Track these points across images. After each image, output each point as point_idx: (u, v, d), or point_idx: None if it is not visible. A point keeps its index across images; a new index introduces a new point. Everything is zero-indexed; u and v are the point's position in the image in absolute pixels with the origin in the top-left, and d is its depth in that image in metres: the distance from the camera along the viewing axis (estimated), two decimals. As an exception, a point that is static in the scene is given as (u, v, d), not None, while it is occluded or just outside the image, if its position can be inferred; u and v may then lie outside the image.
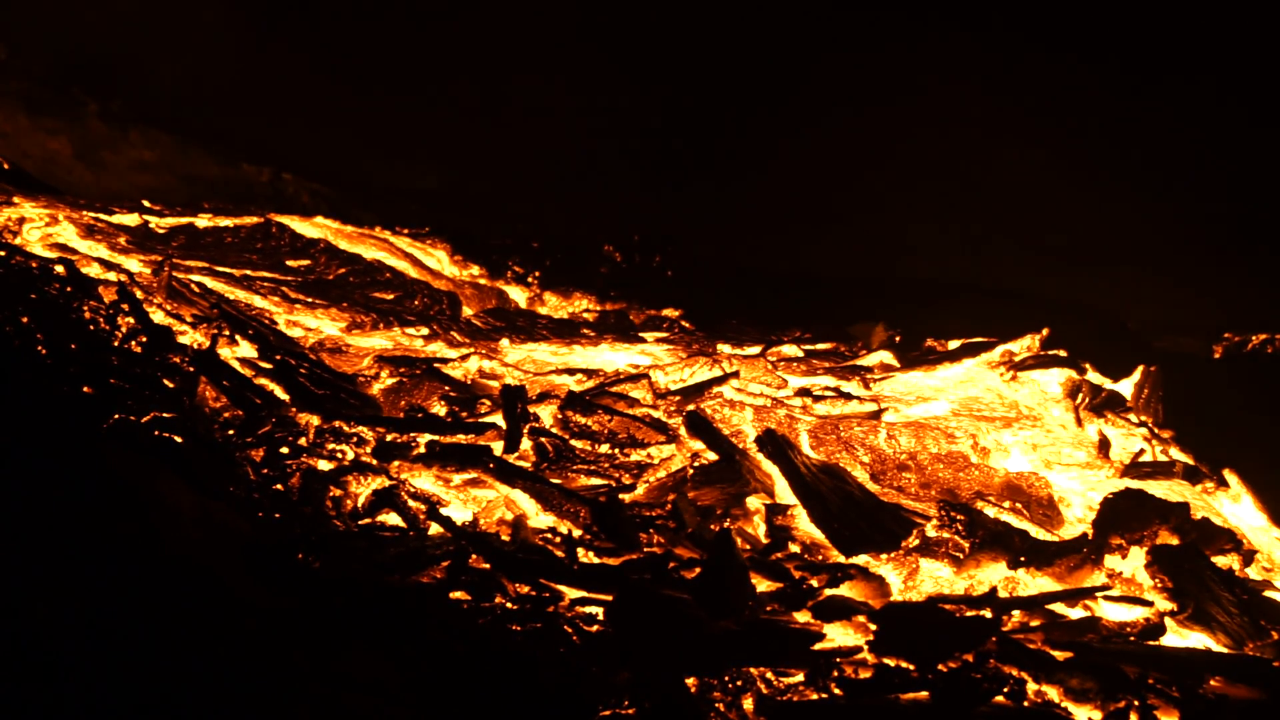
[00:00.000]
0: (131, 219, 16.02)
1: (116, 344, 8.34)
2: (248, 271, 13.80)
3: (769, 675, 5.33)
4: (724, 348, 13.10)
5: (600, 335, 14.17)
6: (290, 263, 15.42)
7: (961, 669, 5.32)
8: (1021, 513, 8.83)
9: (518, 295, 19.95)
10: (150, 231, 15.72)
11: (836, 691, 5.19)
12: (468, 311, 16.02)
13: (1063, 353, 11.55)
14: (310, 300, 12.95)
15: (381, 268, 16.67)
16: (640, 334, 14.79)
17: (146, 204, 18.29)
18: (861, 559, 7.21)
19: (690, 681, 5.17)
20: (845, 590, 6.40)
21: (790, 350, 13.12)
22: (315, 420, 8.00)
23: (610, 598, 5.68)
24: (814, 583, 6.39)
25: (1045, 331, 11.95)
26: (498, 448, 8.10)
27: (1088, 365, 11.55)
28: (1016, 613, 6.27)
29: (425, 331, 12.77)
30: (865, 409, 10.63)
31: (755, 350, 13.12)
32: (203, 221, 16.99)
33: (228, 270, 13.50)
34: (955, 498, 9.01)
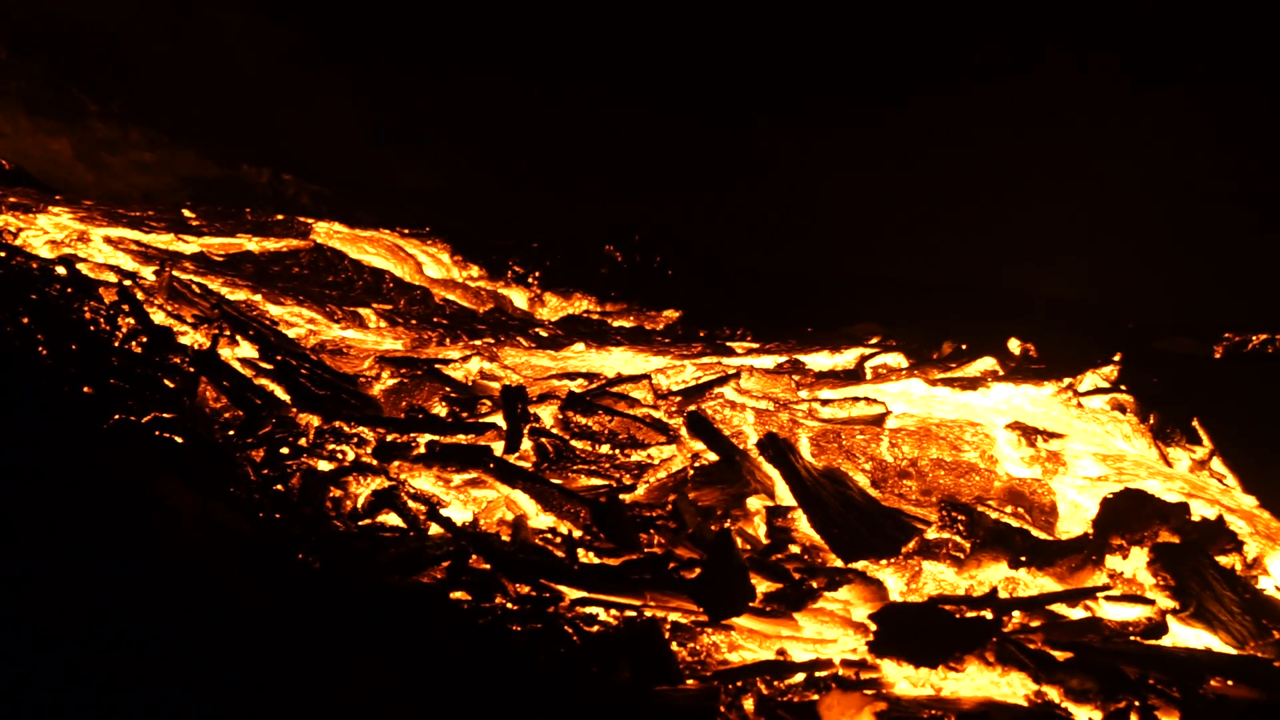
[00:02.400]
0: (183, 241, 15.35)
1: (117, 344, 8.34)
2: (334, 307, 13.97)
3: (769, 675, 5.33)
4: (815, 358, 12.70)
5: (685, 344, 13.83)
6: (377, 305, 15.32)
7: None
8: (1023, 518, 8.80)
9: (518, 295, 19.95)
10: (210, 260, 15.14)
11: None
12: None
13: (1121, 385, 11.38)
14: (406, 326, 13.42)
15: (464, 313, 16.76)
16: (728, 343, 14.51)
17: (186, 213, 17.65)
18: (861, 563, 7.19)
19: (691, 682, 5.17)
20: (844, 594, 6.39)
21: (894, 361, 12.67)
22: (315, 421, 8.00)
23: (610, 598, 5.69)
24: (814, 584, 6.38)
25: (1119, 357, 11.75)
26: (498, 448, 8.10)
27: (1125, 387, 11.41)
28: (1017, 613, 6.27)
29: (492, 341, 12.94)
30: (873, 410, 10.57)
31: (851, 356, 12.76)
32: (252, 245, 16.46)
33: (314, 307, 13.54)
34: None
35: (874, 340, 14.33)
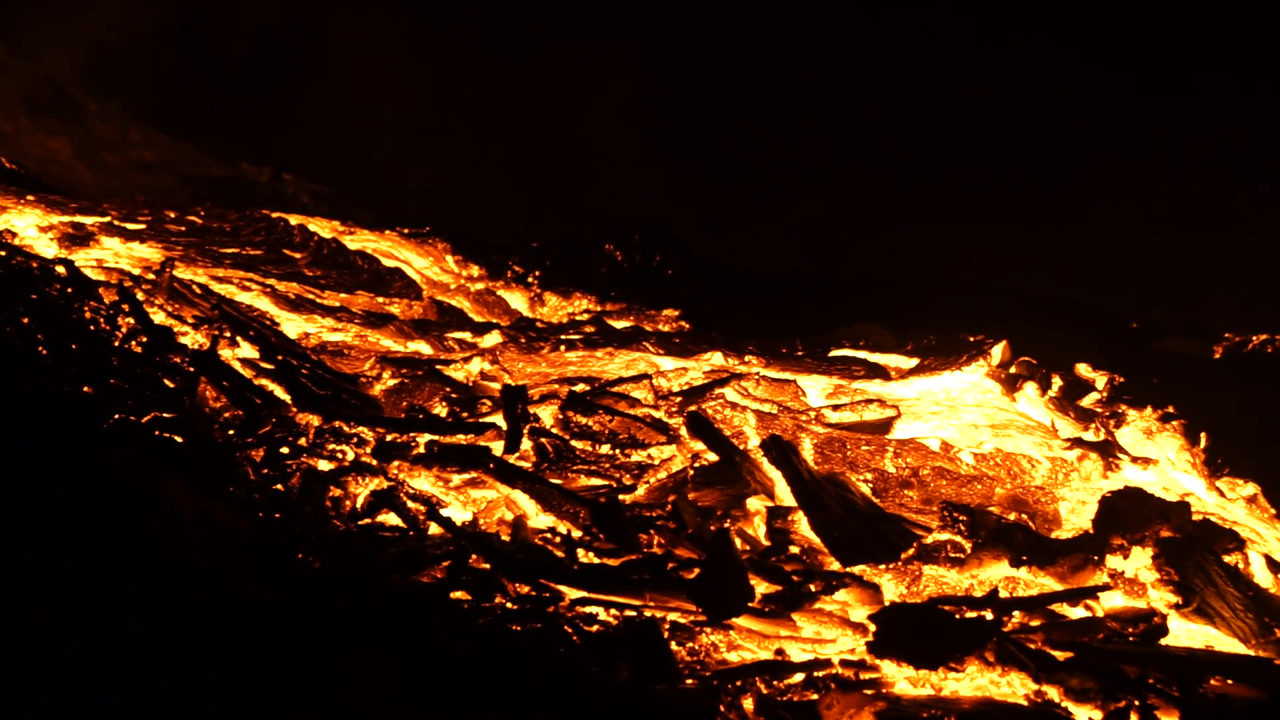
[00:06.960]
0: (317, 295, 13.58)
1: (117, 344, 8.35)
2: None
3: (768, 675, 5.33)
4: (969, 375, 11.95)
5: (842, 366, 13.22)
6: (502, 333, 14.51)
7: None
8: (1026, 524, 8.76)
9: (518, 295, 19.93)
10: (374, 317, 13.79)
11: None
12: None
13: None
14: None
15: (569, 325, 16.19)
16: (868, 355, 13.75)
17: (288, 252, 15.97)
18: (860, 567, 7.15)
19: (690, 682, 5.17)
20: (842, 596, 6.38)
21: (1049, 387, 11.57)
22: (315, 420, 7.99)
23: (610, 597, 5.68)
24: (812, 587, 6.37)
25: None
26: (498, 448, 8.09)
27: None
28: (1017, 613, 6.26)
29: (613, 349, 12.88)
30: (885, 413, 10.50)
31: (974, 371, 12.08)
32: (394, 309, 15.18)
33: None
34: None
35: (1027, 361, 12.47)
